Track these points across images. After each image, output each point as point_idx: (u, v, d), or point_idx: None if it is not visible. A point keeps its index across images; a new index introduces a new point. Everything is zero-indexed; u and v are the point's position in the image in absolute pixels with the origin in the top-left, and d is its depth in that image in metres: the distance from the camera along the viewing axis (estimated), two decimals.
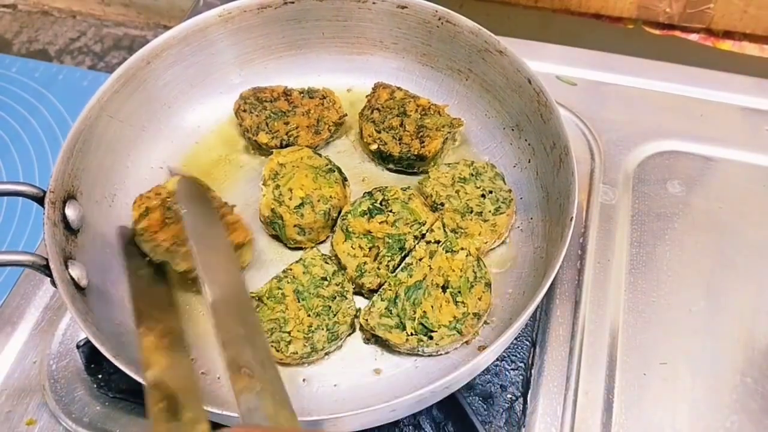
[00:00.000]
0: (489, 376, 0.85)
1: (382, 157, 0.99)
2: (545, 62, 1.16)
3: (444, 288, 0.83)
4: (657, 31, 1.26)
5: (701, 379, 0.85)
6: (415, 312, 0.81)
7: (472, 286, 0.83)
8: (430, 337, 0.80)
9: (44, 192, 0.80)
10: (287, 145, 0.98)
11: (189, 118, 1.03)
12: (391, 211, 0.90)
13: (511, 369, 0.86)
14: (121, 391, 0.84)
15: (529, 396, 0.84)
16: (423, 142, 0.96)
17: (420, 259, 0.85)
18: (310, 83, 1.05)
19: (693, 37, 1.25)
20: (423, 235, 0.87)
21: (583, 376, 0.86)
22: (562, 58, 1.18)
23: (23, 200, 1.27)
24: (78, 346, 0.86)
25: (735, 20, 1.20)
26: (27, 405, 0.85)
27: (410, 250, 0.86)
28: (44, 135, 1.39)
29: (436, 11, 0.98)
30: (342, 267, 0.87)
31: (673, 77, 1.15)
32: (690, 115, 1.11)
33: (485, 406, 0.83)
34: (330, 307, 0.83)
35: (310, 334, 0.81)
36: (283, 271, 0.86)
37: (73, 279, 0.78)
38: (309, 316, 0.83)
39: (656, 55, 1.19)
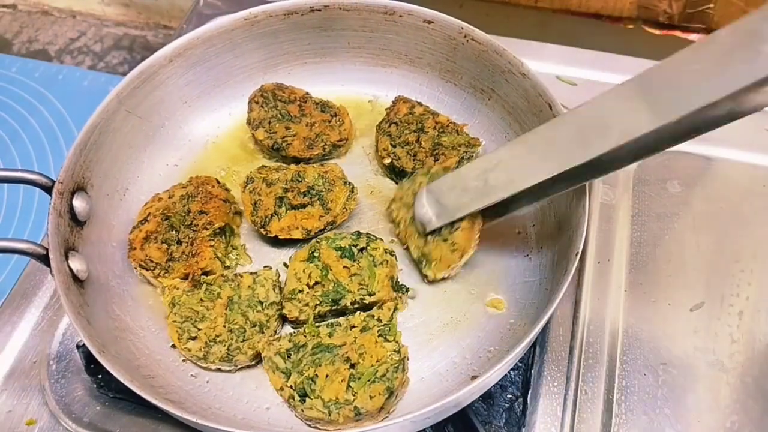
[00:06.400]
0: None
1: (394, 172, 0.98)
2: (545, 62, 1.16)
3: (353, 365, 0.78)
4: (657, 31, 1.26)
5: (701, 379, 0.85)
6: (308, 370, 0.77)
7: (373, 382, 0.76)
8: (303, 401, 0.76)
9: (53, 182, 0.80)
10: (278, 149, 0.98)
11: (209, 119, 1.04)
12: (359, 263, 0.86)
13: (511, 369, 0.86)
14: (121, 391, 0.84)
15: (529, 396, 0.84)
16: (437, 160, 0.94)
17: (352, 327, 0.81)
18: (333, 91, 1.05)
19: (693, 37, 1.25)
20: (366, 306, 0.83)
21: (583, 376, 0.86)
22: (561, 58, 1.18)
23: (25, 192, 1.28)
24: (78, 346, 0.86)
25: (735, 20, 1.19)
26: (27, 405, 0.85)
27: (343, 309, 0.83)
28: (44, 135, 1.39)
29: (462, 28, 0.96)
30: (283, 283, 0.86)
31: None
32: None
33: (485, 406, 0.83)
34: (245, 331, 0.81)
35: (211, 344, 0.80)
36: (235, 274, 0.86)
37: (71, 271, 0.78)
38: (224, 326, 0.81)
39: (656, 55, 1.18)
